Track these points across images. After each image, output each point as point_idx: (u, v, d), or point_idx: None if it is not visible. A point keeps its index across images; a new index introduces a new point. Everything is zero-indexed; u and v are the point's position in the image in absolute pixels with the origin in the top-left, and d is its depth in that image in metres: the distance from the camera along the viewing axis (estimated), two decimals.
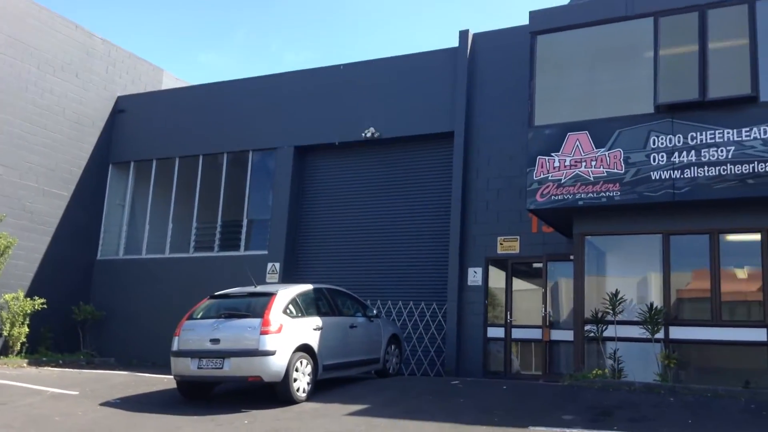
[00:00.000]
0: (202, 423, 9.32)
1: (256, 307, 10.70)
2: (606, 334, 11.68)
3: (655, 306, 11.28)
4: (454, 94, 15.74)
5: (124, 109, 20.16)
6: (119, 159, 20.10)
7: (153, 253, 19.08)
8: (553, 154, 12.18)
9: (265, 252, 17.40)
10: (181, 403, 10.81)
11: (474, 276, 14.83)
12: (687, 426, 8.43)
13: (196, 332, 10.64)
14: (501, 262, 14.78)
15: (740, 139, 10.93)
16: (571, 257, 13.70)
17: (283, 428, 8.85)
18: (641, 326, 11.30)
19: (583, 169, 11.90)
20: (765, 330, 10.92)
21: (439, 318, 15.17)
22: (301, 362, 10.55)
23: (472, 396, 10.52)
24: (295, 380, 10.41)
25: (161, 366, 15.98)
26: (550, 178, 12.13)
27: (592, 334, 11.72)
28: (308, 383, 10.65)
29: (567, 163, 12.04)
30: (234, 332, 10.37)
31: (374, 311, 12.83)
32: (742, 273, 11.45)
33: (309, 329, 10.93)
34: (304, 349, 10.69)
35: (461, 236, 15.02)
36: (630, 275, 12.52)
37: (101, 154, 19.81)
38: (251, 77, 18.78)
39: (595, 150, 11.88)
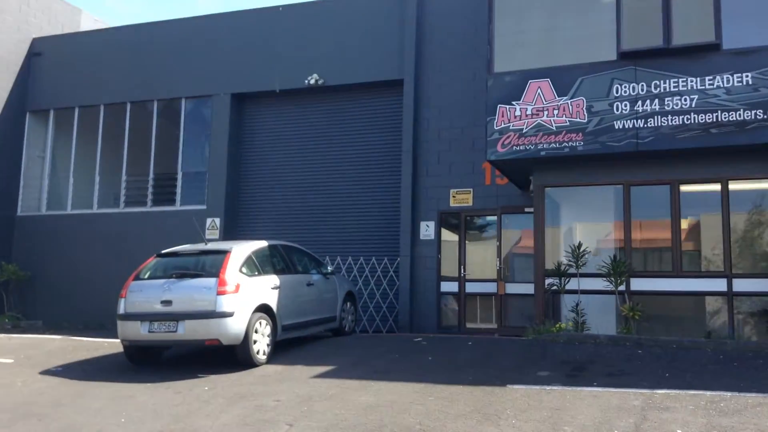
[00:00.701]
0: (158, 390, 8.67)
1: (210, 265, 10.00)
2: (567, 287, 11.54)
3: (618, 258, 11.19)
4: (403, 39, 15.09)
5: (40, 52, 18.53)
6: (37, 107, 18.55)
7: (79, 208, 17.83)
8: (514, 102, 11.79)
9: (203, 207, 16.51)
10: (130, 369, 10.09)
11: (426, 230, 14.46)
12: (664, 379, 8.33)
13: (145, 293, 9.87)
14: (454, 216, 14.43)
15: (704, 87, 10.80)
16: (526, 209, 13.55)
17: (249, 393, 8.31)
18: (604, 278, 11.20)
19: (545, 118, 11.58)
20: (725, 280, 11.00)
21: (391, 273, 14.78)
22: (260, 323, 9.97)
23: (439, 353, 10.21)
24: (255, 342, 9.83)
25: (95, 329, 15.06)
26: (511, 127, 11.76)
27: (554, 287, 11.56)
28: (268, 345, 10.10)
29: (528, 111, 11.68)
30: (188, 293, 9.66)
31: (330, 268, 12.29)
32: (700, 223, 11.47)
33: (267, 288, 10.32)
34: (263, 309, 10.11)
35: (413, 189, 14.58)
36: (587, 227, 12.40)
37: (17, 101, 18.22)
38: (182, 18, 17.56)
39: (558, 98, 11.55)
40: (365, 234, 15.19)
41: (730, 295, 10.98)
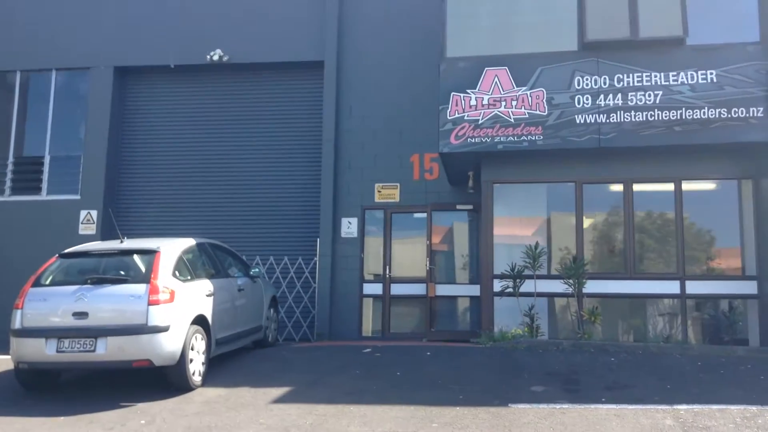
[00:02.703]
0: (78, 428, 6.77)
1: (136, 268, 8.13)
2: (522, 289, 10.76)
3: (578, 259, 10.56)
4: (324, 16, 13.64)
5: None
6: None
7: None
8: (469, 90, 10.82)
9: (77, 197, 14.09)
10: (22, 397, 8.05)
11: (348, 227, 13.14)
12: (671, 392, 7.69)
13: (51, 303, 7.83)
14: (379, 212, 13.21)
15: (668, 83, 10.43)
16: (458, 207, 12.70)
17: (203, 428, 6.68)
18: (563, 281, 10.51)
19: (502, 109, 10.71)
20: (678, 282, 10.70)
21: (306, 274, 13.28)
22: (196, 338, 8.25)
23: (404, 367, 8.98)
24: (191, 361, 8.10)
25: None
26: (466, 117, 10.78)
27: (509, 289, 10.71)
28: (203, 363, 8.42)
29: (485, 101, 10.76)
30: (109, 303, 7.76)
31: (256, 270, 10.66)
32: (654, 224, 11.11)
33: (202, 296, 8.60)
34: (199, 321, 8.39)
35: (334, 182, 13.19)
36: (528, 225, 11.69)
37: None
38: None
39: (516, 88, 10.73)
40: (278, 231, 13.58)
41: (683, 298, 10.71)
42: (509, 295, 10.72)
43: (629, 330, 10.92)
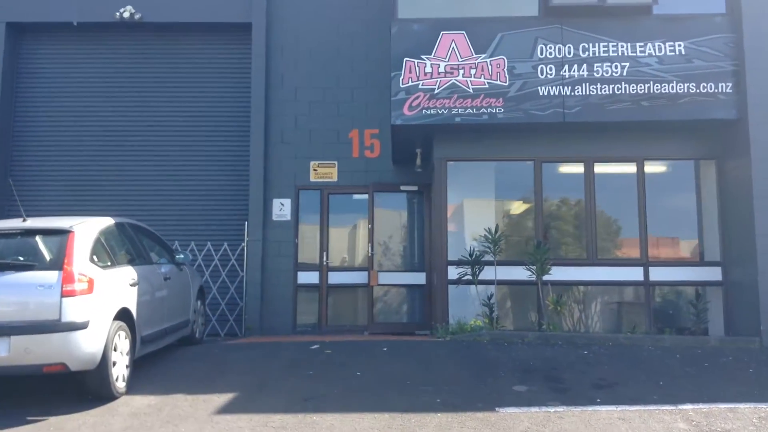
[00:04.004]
0: None
1: (44, 252, 6.61)
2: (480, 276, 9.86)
3: (542, 244, 9.75)
4: None
5: None
6: None
7: None
8: (423, 56, 9.77)
9: None
10: None
11: (281, 209, 11.85)
12: (665, 389, 6.97)
13: None
14: (315, 193, 11.98)
15: (635, 54, 9.73)
16: (403, 188, 11.72)
17: None
18: (526, 267, 9.68)
19: (460, 78, 9.73)
20: (642, 269, 10.09)
21: (232, 262, 11.91)
22: (119, 336, 6.84)
23: (361, 366, 7.86)
24: (114, 364, 6.70)
25: None
26: (420, 86, 9.73)
27: (468, 276, 9.78)
28: (127, 366, 7.01)
29: (441, 69, 9.74)
30: (11, 294, 6.25)
31: (181, 255, 9.25)
32: (617, 207, 10.44)
33: (125, 285, 7.17)
34: (122, 316, 6.97)
35: (265, 159, 11.86)
36: (481, 207, 10.80)
37: None
38: None
39: (475, 55, 9.77)
40: (200, 212, 12.12)
41: (647, 285, 10.10)
42: (468, 283, 9.79)
43: (593, 320, 10.22)
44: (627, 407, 6.33)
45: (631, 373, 7.57)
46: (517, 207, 10.57)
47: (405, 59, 9.74)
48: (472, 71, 9.71)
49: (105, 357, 6.49)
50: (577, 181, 10.33)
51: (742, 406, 6.35)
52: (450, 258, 10.05)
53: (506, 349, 8.68)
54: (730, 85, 9.59)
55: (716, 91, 9.60)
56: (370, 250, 11.59)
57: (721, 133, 10.00)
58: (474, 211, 10.66)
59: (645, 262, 10.07)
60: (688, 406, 6.34)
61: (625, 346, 8.88)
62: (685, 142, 10.15)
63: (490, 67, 9.73)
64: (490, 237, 9.75)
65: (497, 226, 9.86)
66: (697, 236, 10.38)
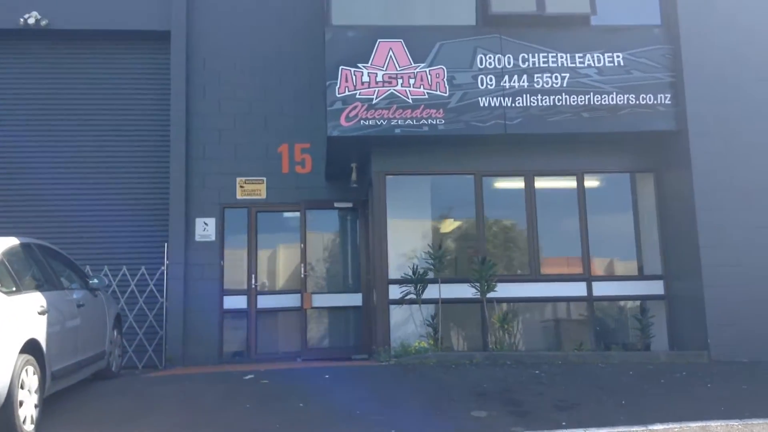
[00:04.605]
0: None
1: None
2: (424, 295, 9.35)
3: (488, 260, 9.34)
4: None
5: None
6: None
7: None
8: (360, 65, 9.27)
9: None
10: None
11: (204, 229, 11.03)
12: (628, 409, 6.61)
13: None
14: (242, 211, 11.22)
15: (574, 65, 9.54)
16: (336, 204, 11.16)
17: None
18: (471, 284, 9.24)
19: (399, 87, 9.28)
20: (585, 284, 9.84)
21: (150, 287, 10.95)
22: (26, 372, 5.93)
23: (304, 396, 7.14)
24: (21, 404, 5.78)
25: None
26: (357, 96, 9.21)
27: (411, 296, 9.24)
28: (36, 405, 6.08)
29: (379, 78, 9.27)
30: None
31: (96, 280, 8.33)
32: (557, 222, 10.18)
33: (32, 314, 6.26)
34: (30, 348, 6.06)
35: (186, 176, 11.03)
36: (420, 223, 10.32)
37: None
38: None
39: (414, 65, 9.35)
40: (115, 234, 11.10)
41: (591, 300, 9.85)
42: (411, 302, 9.26)
43: (537, 337, 9.88)
44: (597, 430, 5.91)
45: (590, 393, 7.20)
46: (458, 222, 10.16)
47: (341, 67, 9.22)
48: (411, 81, 9.29)
49: (10, 396, 5.58)
50: (518, 196, 10.02)
51: (713, 423, 6.03)
52: (391, 277, 9.50)
53: (455, 371, 8.18)
54: (669, 96, 9.52)
55: (655, 102, 9.51)
56: (302, 271, 10.91)
57: (659, 146, 9.91)
58: (413, 227, 10.17)
59: (588, 277, 9.83)
60: (659, 427, 5.97)
61: (575, 364, 8.55)
62: (623, 155, 10.02)
63: (429, 76, 9.33)
64: (433, 253, 9.27)
65: (441, 243, 9.40)
66: (635, 250, 10.22)
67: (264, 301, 11.05)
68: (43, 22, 11.22)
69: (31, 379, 6.00)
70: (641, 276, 10.10)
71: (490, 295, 9.27)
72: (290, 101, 11.37)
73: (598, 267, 10.05)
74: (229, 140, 11.28)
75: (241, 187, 11.19)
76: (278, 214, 11.37)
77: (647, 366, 8.48)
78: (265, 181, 11.23)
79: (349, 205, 11.17)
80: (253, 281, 11.06)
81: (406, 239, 10.04)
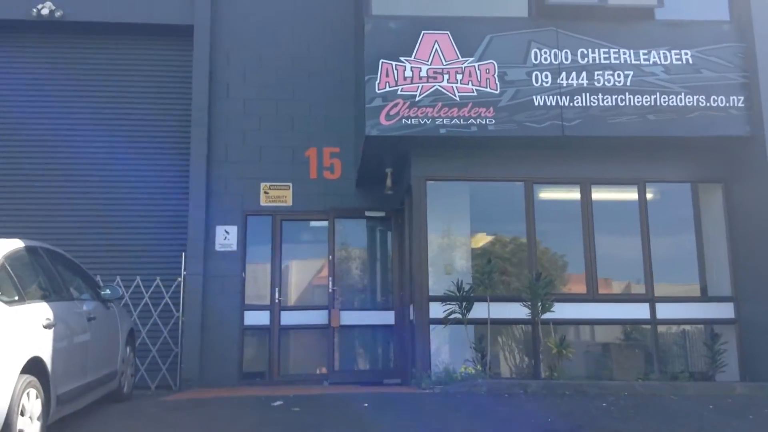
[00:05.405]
0: None
1: None
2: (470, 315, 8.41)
3: (543, 276, 8.41)
4: None
5: None
6: None
7: None
8: (402, 58, 8.43)
9: None
10: None
11: (225, 237, 10.15)
12: None
13: None
14: (266, 219, 10.35)
15: (639, 62, 8.68)
16: (368, 213, 10.26)
17: None
18: (523, 304, 8.31)
19: (445, 83, 8.42)
20: (647, 305, 8.88)
21: (166, 300, 10.08)
22: (28, 395, 5.04)
23: (344, 429, 6.23)
24: None
25: None
26: (399, 92, 8.36)
27: (456, 314, 8.31)
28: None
29: (423, 73, 8.41)
30: None
31: (108, 290, 7.44)
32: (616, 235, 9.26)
33: (37, 327, 5.38)
34: (33, 367, 5.17)
35: (207, 180, 10.19)
36: (462, 235, 9.41)
37: None
38: None
39: (461, 59, 8.50)
40: (128, 242, 10.26)
41: (654, 323, 8.90)
42: (456, 322, 8.32)
43: (591, 364, 8.93)
44: None
45: (673, 431, 6.24)
46: (503, 234, 9.25)
47: (381, 61, 8.37)
48: (459, 77, 8.42)
49: (8, 424, 4.71)
50: (572, 206, 9.11)
51: None
52: (432, 293, 8.58)
53: (510, 402, 7.22)
54: (742, 98, 8.64)
55: (728, 105, 8.62)
56: (330, 286, 10.01)
57: (728, 153, 9.01)
58: (453, 238, 9.25)
59: (651, 297, 8.88)
60: None
61: (645, 396, 7.56)
62: (687, 163, 9.12)
63: (478, 72, 8.46)
64: (482, 268, 8.36)
65: (490, 259, 8.49)
66: (697, 268, 9.27)
67: (288, 318, 10.14)
68: (57, 14, 10.45)
69: (33, 404, 5.11)
70: (705, 297, 9.15)
71: (546, 316, 8.34)
72: (319, 102, 10.55)
73: (659, 287, 9.08)
74: (254, 142, 10.44)
75: (266, 193, 10.32)
76: (305, 223, 10.50)
77: (725, 399, 7.49)
78: (291, 187, 10.37)
79: (381, 214, 10.29)
80: (277, 295, 10.15)
81: (445, 252, 9.14)
